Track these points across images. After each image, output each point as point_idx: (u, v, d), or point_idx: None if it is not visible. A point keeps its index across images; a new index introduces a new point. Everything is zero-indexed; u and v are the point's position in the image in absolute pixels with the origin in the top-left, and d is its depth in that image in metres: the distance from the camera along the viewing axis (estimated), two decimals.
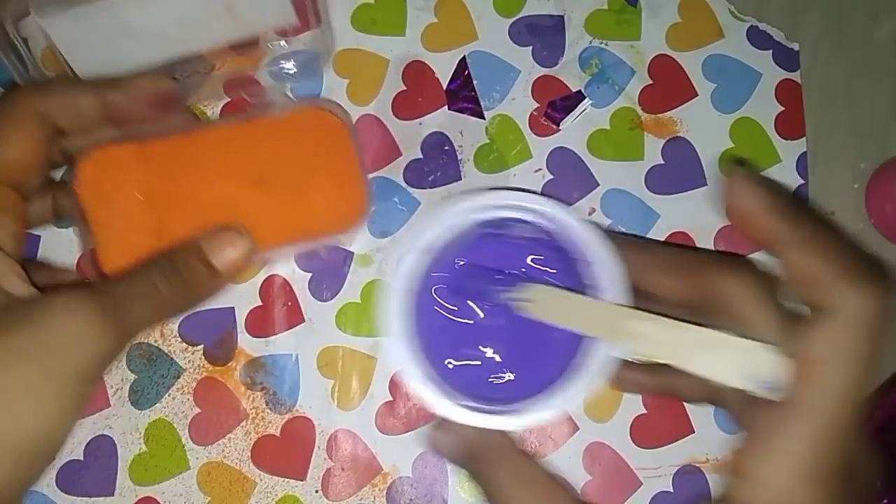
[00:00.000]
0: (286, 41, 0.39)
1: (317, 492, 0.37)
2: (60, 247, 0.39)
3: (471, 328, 0.30)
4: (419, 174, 0.40)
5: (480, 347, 0.30)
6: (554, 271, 0.30)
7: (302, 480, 0.38)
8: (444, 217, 0.28)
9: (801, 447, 0.22)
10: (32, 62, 0.36)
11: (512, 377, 0.30)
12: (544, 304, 0.27)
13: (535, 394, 0.27)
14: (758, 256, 0.40)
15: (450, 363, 0.30)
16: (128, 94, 0.32)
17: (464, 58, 0.41)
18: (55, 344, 0.26)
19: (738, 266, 0.25)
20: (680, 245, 0.42)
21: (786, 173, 0.41)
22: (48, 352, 0.26)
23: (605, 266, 0.27)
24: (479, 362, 0.30)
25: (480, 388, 0.29)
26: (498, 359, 0.30)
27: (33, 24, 0.35)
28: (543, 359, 0.29)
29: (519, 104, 0.41)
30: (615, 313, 0.26)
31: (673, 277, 0.27)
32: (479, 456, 0.28)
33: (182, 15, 0.36)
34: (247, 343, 0.39)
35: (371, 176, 0.40)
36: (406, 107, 0.41)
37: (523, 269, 0.30)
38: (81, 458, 0.38)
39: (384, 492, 0.37)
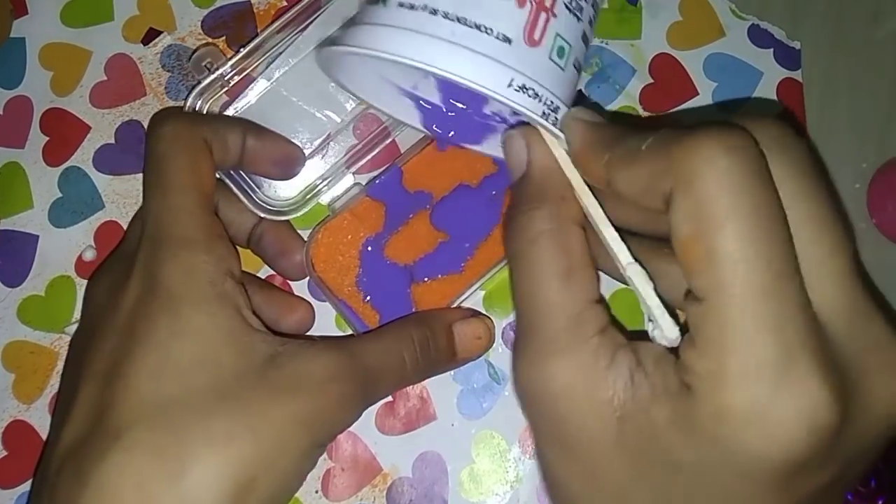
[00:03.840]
0: None
1: (317, 492, 0.37)
2: (59, 247, 0.39)
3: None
4: None
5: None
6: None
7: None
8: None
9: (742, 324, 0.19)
10: None
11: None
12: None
13: None
14: None
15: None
16: (263, 143, 0.33)
17: None
18: (326, 416, 0.27)
19: (706, 138, 0.20)
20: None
21: None
22: (321, 424, 0.27)
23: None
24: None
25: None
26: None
27: None
28: None
29: None
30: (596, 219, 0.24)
31: (632, 172, 0.22)
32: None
33: None
34: None
35: None
36: None
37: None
38: None
39: (384, 492, 0.37)
